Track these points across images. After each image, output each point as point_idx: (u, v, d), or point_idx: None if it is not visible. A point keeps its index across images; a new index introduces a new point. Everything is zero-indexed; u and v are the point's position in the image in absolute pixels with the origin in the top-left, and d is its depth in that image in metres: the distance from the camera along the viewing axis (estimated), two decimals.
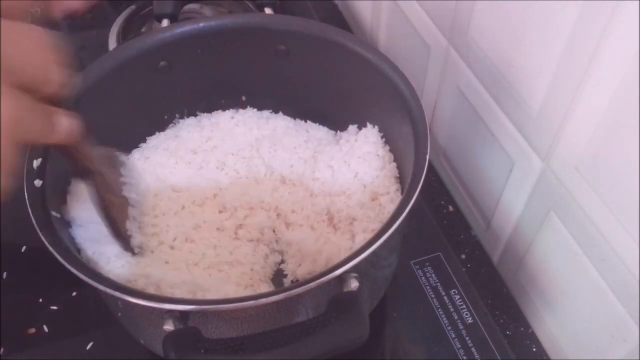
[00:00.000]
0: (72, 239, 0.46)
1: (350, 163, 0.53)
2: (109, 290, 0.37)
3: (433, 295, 0.56)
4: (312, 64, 0.56)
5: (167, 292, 0.45)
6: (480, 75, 0.53)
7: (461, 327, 0.53)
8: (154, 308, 0.36)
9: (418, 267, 0.58)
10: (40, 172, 0.44)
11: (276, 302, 0.36)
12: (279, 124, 0.60)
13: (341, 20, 0.86)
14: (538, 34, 0.43)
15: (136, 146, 0.58)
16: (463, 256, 0.60)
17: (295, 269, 0.51)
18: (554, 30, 0.41)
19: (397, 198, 0.52)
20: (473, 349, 0.52)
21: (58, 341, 0.53)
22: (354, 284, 0.37)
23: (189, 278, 0.46)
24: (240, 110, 0.61)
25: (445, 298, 0.55)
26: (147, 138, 0.59)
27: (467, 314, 0.54)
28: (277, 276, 0.52)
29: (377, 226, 0.48)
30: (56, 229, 0.42)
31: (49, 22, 0.29)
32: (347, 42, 0.52)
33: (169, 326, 0.36)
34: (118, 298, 0.37)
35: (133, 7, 0.82)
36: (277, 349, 0.34)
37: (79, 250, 0.46)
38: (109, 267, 0.46)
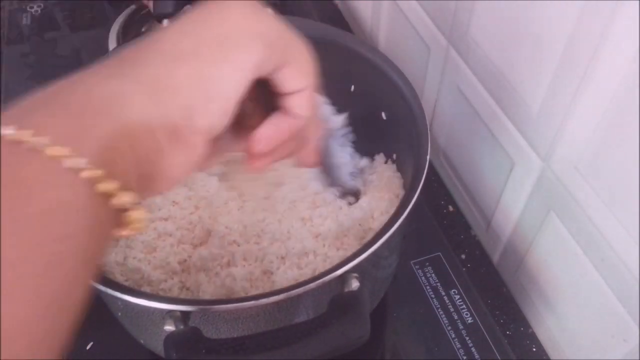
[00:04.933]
0: None
1: None
2: (109, 291, 0.37)
3: (433, 295, 0.56)
4: None
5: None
6: (480, 75, 0.53)
7: (461, 327, 0.54)
8: (155, 308, 0.36)
9: (418, 267, 0.58)
10: None
11: (277, 302, 0.36)
12: None
13: (341, 20, 0.86)
14: (538, 34, 0.43)
15: None
16: (463, 256, 0.60)
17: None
18: (554, 30, 0.41)
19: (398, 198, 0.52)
20: (473, 349, 0.52)
21: None
22: (354, 284, 0.37)
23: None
24: None
25: (445, 298, 0.56)
26: None
27: (467, 314, 0.54)
28: None
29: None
30: None
31: None
32: (347, 42, 0.52)
33: (169, 326, 0.36)
34: (118, 298, 0.37)
35: (133, 7, 0.82)
36: (278, 349, 0.34)
37: None
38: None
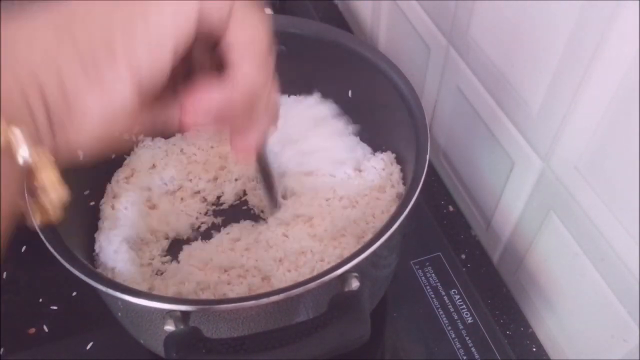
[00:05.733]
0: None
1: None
2: (109, 291, 0.37)
3: (433, 295, 0.56)
4: (312, 65, 0.56)
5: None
6: (480, 75, 0.53)
7: (461, 327, 0.54)
8: (155, 308, 0.36)
9: (418, 267, 0.58)
10: None
11: (277, 302, 0.36)
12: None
13: (341, 20, 0.86)
14: (538, 34, 0.43)
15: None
16: (463, 256, 0.60)
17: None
18: (554, 30, 0.41)
19: (398, 198, 0.52)
20: (473, 349, 0.52)
21: (58, 341, 0.53)
22: (354, 284, 0.37)
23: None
24: None
25: (445, 298, 0.55)
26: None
27: (467, 314, 0.54)
28: None
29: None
30: (56, 229, 0.42)
31: None
32: (347, 43, 0.52)
33: (169, 326, 0.36)
34: (118, 298, 0.37)
35: None
36: (278, 348, 0.34)
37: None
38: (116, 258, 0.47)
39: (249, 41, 0.28)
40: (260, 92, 0.29)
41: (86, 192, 0.52)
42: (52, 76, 0.23)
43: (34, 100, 0.23)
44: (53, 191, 0.24)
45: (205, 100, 0.29)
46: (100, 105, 0.25)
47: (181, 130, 0.30)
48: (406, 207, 0.40)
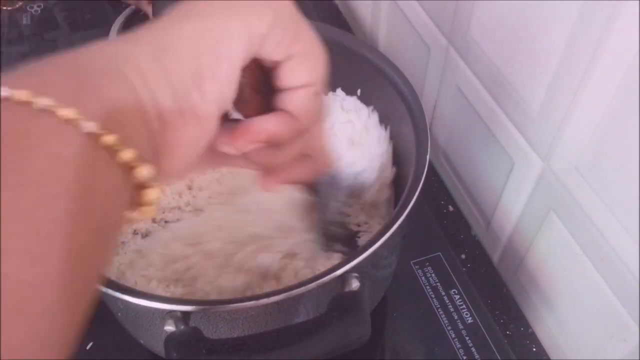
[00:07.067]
0: None
1: None
2: (109, 291, 0.37)
3: (433, 295, 0.56)
4: None
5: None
6: (480, 75, 0.53)
7: (461, 327, 0.54)
8: (155, 309, 0.36)
9: (418, 267, 0.58)
10: None
11: (277, 302, 0.36)
12: None
13: (341, 20, 0.86)
14: (538, 33, 0.43)
15: None
16: (463, 256, 0.60)
17: None
18: (554, 30, 0.41)
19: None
20: (473, 349, 0.52)
21: None
22: (355, 284, 0.37)
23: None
24: None
25: (445, 298, 0.56)
26: None
27: (467, 314, 0.54)
28: None
29: None
30: None
31: None
32: (347, 42, 0.52)
33: (170, 327, 0.36)
34: (119, 299, 0.37)
35: (133, 7, 0.81)
36: (278, 349, 0.34)
37: None
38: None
39: (304, 85, 0.28)
40: (304, 132, 0.30)
41: None
42: (150, 103, 0.23)
43: (139, 123, 0.23)
44: (151, 205, 0.23)
45: (267, 124, 0.29)
46: (191, 139, 0.25)
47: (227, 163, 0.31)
48: (406, 207, 0.40)
